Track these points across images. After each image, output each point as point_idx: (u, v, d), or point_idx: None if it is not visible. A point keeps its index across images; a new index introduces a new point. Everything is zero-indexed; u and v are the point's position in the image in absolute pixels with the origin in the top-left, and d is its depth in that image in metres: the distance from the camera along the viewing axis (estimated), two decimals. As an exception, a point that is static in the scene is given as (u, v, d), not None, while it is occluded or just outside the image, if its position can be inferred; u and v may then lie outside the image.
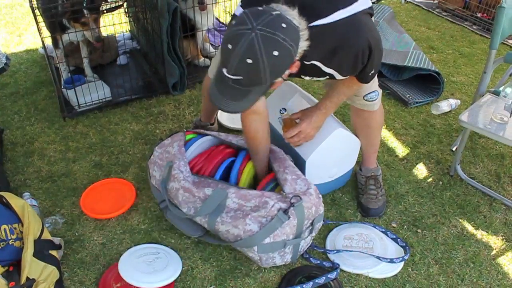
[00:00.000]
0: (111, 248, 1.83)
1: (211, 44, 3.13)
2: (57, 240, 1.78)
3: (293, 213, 1.58)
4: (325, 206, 2.01)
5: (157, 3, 2.42)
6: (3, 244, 1.65)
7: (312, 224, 1.68)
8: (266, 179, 1.78)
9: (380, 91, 1.88)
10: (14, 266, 1.63)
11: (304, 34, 1.31)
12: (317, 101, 2.02)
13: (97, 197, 2.02)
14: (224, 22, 3.45)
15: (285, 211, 1.58)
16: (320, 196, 1.70)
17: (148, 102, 2.67)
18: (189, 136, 1.99)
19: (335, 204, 2.04)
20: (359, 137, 2.00)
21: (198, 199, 1.71)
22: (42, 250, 1.65)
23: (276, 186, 1.77)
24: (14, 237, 1.67)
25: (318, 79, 1.66)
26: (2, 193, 1.79)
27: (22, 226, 1.70)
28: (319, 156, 1.89)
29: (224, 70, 1.26)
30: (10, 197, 1.76)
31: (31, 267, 1.57)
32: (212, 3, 2.80)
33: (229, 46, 1.22)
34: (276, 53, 1.21)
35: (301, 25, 1.30)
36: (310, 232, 1.70)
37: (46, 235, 1.72)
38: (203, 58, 3.00)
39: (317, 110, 1.79)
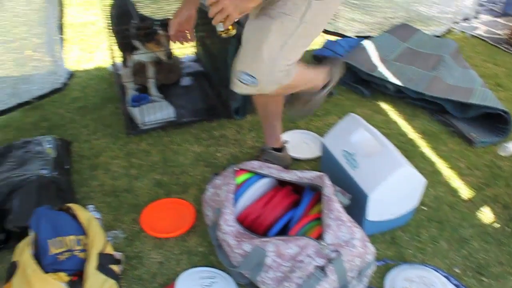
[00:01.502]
0: (169, 268, 1.86)
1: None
2: (118, 255, 1.82)
3: (332, 269, 1.52)
4: (384, 245, 1.97)
5: (226, 29, 2.48)
6: (69, 254, 1.70)
7: (360, 273, 1.62)
8: (307, 218, 1.72)
9: (263, 79, 1.67)
10: (78, 276, 1.68)
11: None
12: (382, 137, 2.00)
13: (157, 216, 2.06)
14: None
15: (322, 268, 1.53)
16: (367, 244, 1.63)
17: (210, 125, 2.72)
18: (243, 177, 1.90)
19: (395, 243, 1.99)
20: None
21: (237, 255, 1.68)
22: (104, 263, 1.70)
23: (314, 226, 1.70)
24: (79, 248, 1.73)
25: None
26: (71, 205, 1.86)
27: (87, 238, 1.76)
28: (383, 192, 1.85)
29: None
30: (77, 209, 1.83)
31: (93, 279, 1.62)
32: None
33: None
34: None
35: None
36: (359, 281, 1.63)
37: (109, 249, 1.77)
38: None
39: None
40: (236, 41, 2.48)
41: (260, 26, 1.71)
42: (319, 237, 1.61)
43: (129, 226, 2.05)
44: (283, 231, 1.76)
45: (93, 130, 2.71)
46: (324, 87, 2.15)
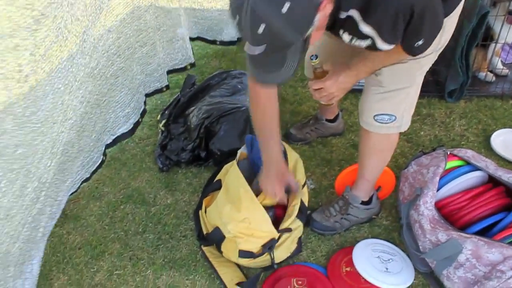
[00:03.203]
0: (348, 230, 1.86)
1: (501, 61, 2.83)
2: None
3: None
4: None
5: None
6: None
7: None
8: None
9: (405, 120, 1.65)
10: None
11: None
12: None
13: (352, 177, 2.02)
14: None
15: None
16: None
17: (418, 101, 2.55)
18: (453, 164, 1.76)
19: None
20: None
21: (428, 241, 1.59)
22: (302, 211, 1.79)
23: None
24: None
25: (358, 43, 1.35)
26: (284, 143, 1.90)
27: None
28: None
29: (248, 44, 1.14)
30: (288, 148, 1.90)
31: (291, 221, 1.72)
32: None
33: (237, 17, 1.12)
34: (285, 7, 1.04)
35: None
36: None
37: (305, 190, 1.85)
38: (487, 72, 2.74)
39: (348, 70, 1.52)
40: (476, 22, 2.26)
41: (401, 72, 1.56)
42: (530, 253, 1.44)
43: (319, 179, 2.08)
44: (482, 233, 1.61)
45: (301, 78, 2.76)
46: (367, 203, 1.85)
